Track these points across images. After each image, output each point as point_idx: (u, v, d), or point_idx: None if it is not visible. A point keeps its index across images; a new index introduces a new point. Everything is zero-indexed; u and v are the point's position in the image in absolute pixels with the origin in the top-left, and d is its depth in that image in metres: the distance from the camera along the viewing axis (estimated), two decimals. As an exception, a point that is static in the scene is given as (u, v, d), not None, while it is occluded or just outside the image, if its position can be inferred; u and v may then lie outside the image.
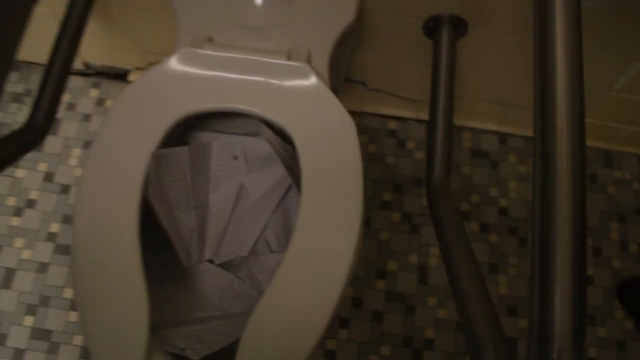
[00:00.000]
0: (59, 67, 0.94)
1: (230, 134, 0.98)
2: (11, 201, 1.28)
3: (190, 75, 0.87)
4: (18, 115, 1.34)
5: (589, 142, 1.32)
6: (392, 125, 1.36)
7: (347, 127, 0.83)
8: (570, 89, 0.53)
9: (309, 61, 0.88)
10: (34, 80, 1.37)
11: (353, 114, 1.33)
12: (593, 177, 1.36)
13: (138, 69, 1.35)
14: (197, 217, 0.92)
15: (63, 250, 1.25)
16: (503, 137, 1.37)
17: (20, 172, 1.30)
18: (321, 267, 0.77)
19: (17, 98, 1.36)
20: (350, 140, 0.82)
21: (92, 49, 1.27)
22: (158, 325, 0.81)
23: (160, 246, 0.89)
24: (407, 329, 1.21)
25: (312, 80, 0.85)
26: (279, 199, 0.94)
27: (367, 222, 1.27)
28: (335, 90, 1.18)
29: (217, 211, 0.94)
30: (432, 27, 1.02)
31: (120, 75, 1.37)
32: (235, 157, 0.95)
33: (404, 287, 1.24)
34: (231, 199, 0.94)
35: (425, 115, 1.01)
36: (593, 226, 1.32)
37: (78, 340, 1.19)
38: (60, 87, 0.95)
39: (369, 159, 1.33)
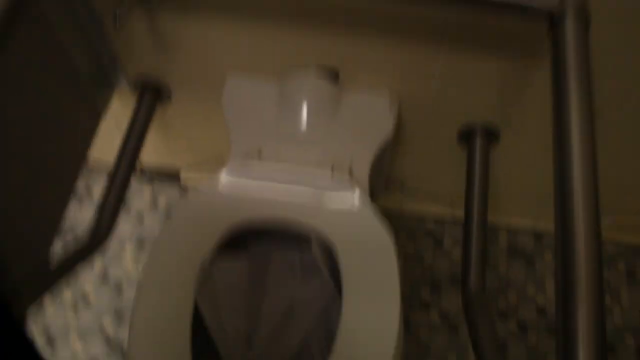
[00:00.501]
0: (122, 176, 1.03)
1: (284, 243, 1.04)
2: (67, 297, 1.35)
3: (241, 187, 0.94)
4: (78, 213, 1.44)
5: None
6: (430, 224, 1.41)
7: (385, 243, 0.88)
8: (586, 191, 0.58)
9: (350, 172, 0.94)
10: (94, 179, 1.47)
11: (391, 212, 1.39)
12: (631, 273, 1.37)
13: (190, 169, 1.43)
14: (247, 322, 0.97)
15: (115, 346, 1.30)
16: (538, 235, 1.39)
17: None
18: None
19: (77, 197, 1.46)
20: (388, 254, 0.87)
21: (148, 151, 1.37)
22: None
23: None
24: None
25: (355, 193, 0.92)
26: (322, 308, 0.98)
27: (406, 323, 1.30)
28: (374, 192, 1.25)
29: (267, 319, 0.98)
30: (466, 134, 1.08)
31: (173, 176, 1.46)
32: (292, 269, 1.00)
33: (444, 387, 1.25)
34: (282, 308, 0.98)
35: (461, 213, 1.06)
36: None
37: None
38: (122, 196, 1.04)
39: (407, 259, 1.37)
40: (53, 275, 0.94)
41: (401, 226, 1.40)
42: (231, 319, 0.96)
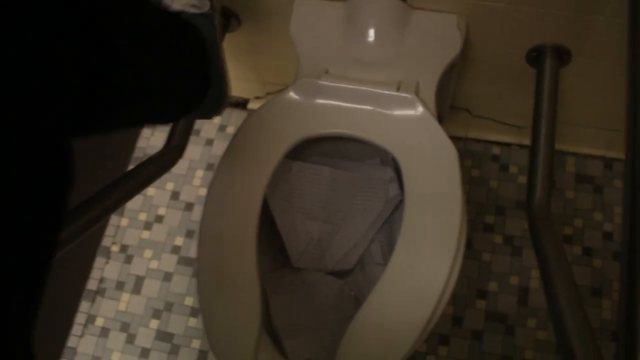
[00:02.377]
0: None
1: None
2: (142, 216, 1.43)
3: (308, 104, 0.96)
4: (150, 140, 1.50)
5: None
6: (496, 150, 1.40)
7: (450, 155, 0.89)
8: None
9: (417, 92, 0.95)
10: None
11: (457, 139, 1.39)
12: None
13: (257, 97, 1.47)
14: (322, 229, 1.01)
15: (186, 261, 1.38)
16: (608, 162, 1.37)
17: (150, 191, 1.44)
18: (417, 283, 0.84)
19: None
20: (452, 168, 0.88)
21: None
22: (281, 337, 0.90)
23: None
24: (507, 349, 1.24)
25: (419, 110, 0.92)
26: (386, 216, 1.01)
27: (469, 244, 1.31)
28: (440, 117, 1.24)
29: (347, 230, 1.03)
30: (535, 57, 1.06)
31: (240, 104, 1.50)
32: (376, 189, 1.03)
33: (504, 307, 1.27)
34: (367, 224, 1.03)
35: (528, 141, 1.05)
36: None
37: (196, 344, 1.31)
38: (191, 121, 1.07)
39: (473, 183, 1.37)
40: (129, 192, 0.99)
41: (466, 151, 1.40)
42: (306, 220, 1.00)
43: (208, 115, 0.92)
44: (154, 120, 0.83)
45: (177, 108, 0.82)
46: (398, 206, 1.02)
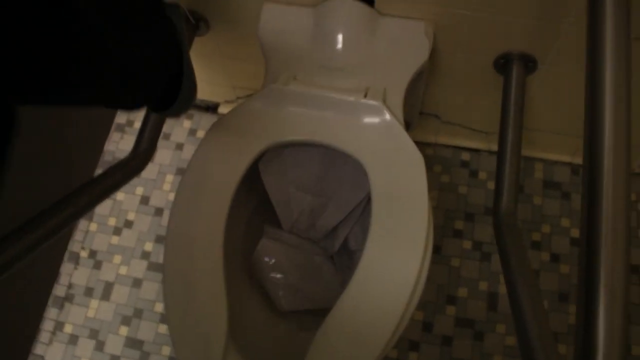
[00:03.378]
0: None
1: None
2: (111, 221, 1.41)
3: (275, 111, 0.96)
4: (119, 144, 1.48)
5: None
6: (465, 156, 1.41)
7: (416, 161, 0.89)
8: (617, 129, 0.58)
9: (384, 99, 0.95)
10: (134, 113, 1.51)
11: (427, 145, 1.40)
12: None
13: (227, 102, 1.46)
14: (313, 202, 1.06)
15: (155, 267, 1.37)
16: (575, 169, 1.39)
17: (119, 196, 1.43)
18: (386, 286, 0.84)
19: (119, 128, 1.50)
20: (418, 173, 0.88)
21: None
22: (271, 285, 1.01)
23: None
24: (476, 355, 1.25)
25: (386, 117, 0.93)
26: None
27: (438, 249, 1.32)
28: (409, 123, 1.25)
29: (337, 204, 1.07)
30: (502, 64, 1.07)
31: (211, 108, 1.49)
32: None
33: (474, 313, 1.27)
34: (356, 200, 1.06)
35: (497, 147, 1.07)
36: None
37: (167, 350, 1.30)
38: (161, 120, 1.07)
39: (442, 189, 1.38)
40: (96, 196, 0.98)
41: (436, 157, 1.41)
42: (298, 192, 1.04)
43: (179, 110, 0.90)
44: (114, 96, 0.75)
45: (143, 86, 0.79)
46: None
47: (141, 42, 0.75)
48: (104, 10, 0.65)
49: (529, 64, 1.05)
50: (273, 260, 1.03)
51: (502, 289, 1.29)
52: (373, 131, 0.93)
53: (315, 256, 1.08)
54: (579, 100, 1.14)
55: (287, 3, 1.03)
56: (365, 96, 0.94)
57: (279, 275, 1.02)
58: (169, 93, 0.85)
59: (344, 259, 1.08)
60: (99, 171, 1.45)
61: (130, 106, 0.82)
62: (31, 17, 0.52)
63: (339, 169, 1.06)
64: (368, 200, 1.04)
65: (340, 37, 0.99)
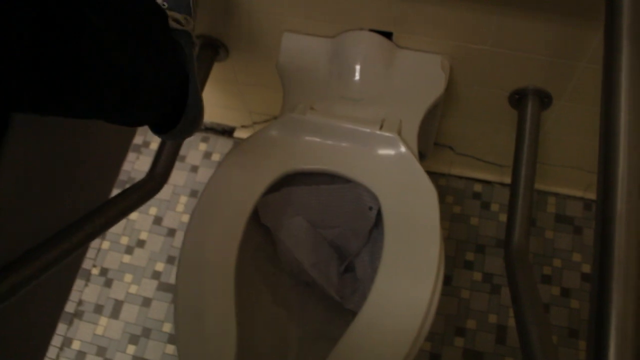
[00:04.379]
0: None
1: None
2: (124, 240, 1.43)
3: (292, 139, 0.98)
4: (135, 164, 1.50)
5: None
6: (478, 188, 1.42)
7: (429, 194, 0.90)
8: (631, 167, 0.58)
9: (399, 131, 0.96)
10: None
11: (440, 175, 1.41)
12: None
13: (243, 126, 1.48)
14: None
15: (165, 288, 1.37)
16: (588, 203, 1.39)
17: (133, 215, 1.44)
18: (396, 317, 0.84)
19: (136, 148, 1.52)
20: (431, 206, 0.89)
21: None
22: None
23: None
24: (484, 388, 1.24)
25: (401, 150, 0.94)
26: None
27: (448, 280, 1.32)
28: (424, 154, 1.26)
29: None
30: (517, 99, 1.08)
31: (226, 132, 1.51)
32: (370, 208, 1.04)
33: (482, 346, 1.27)
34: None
35: (510, 180, 1.07)
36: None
37: (173, 372, 1.30)
38: (178, 144, 1.08)
39: (454, 220, 1.38)
40: (113, 217, 1.00)
41: (449, 188, 1.41)
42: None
43: (181, 134, 0.89)
44: (117, 112, 0.75)
45: (146, 105, 0.79)
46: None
47: (146, 61, 0.75)
48: (113, 26, 0.66)
49: (544, 99, 1.06)
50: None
51: (512, 321, 1.28)
52: (388, 163, 0.94)
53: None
54: (593, 135, 1.15)
55: (306, 33, 1.05)
56: (381, 128, 0.95)
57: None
58: (172, 116, 0.85)
59: (348, 283, 1.07)
60: (115, 191, 1.47)
61: (129, 123, 0.81)
62: (41, 28, 0.53)
63: (336, 204, 1.07)
64: (374, 227, 1.05)
65: (358, 68, 1.01)
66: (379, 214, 1.03)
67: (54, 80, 0.57)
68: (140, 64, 0.73)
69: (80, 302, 1.37)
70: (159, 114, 0.83)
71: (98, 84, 0.65)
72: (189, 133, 0.89)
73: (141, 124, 0.85)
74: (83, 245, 0.95)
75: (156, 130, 0.87)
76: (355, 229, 1.05)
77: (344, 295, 1.02)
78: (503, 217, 1.38)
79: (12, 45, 0.48)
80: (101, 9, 0.64)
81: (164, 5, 0.87)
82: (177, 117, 0.84)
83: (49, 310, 1.35)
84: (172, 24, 0.85)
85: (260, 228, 1.03)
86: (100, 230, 0.96)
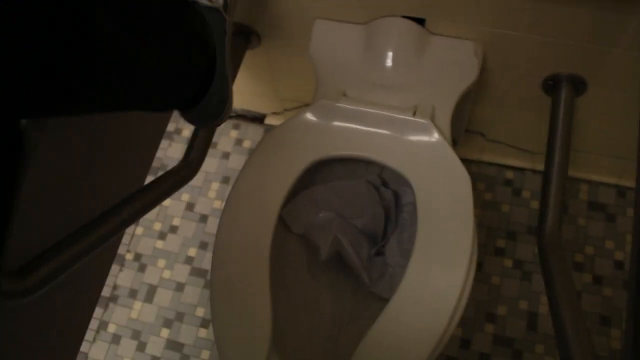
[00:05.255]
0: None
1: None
2: (157, 226, 1.45)
3: (325, 125, 0.98)
4: (167, 151, 1.52)
5: None
6: (509, 174, 1.41)
7: (463, 180, 0.90)
8: None
9: (432, 117, 0.96)
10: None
11: (471, 162, 1.40)
12: None
13: (274, 113, 1.49)
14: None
15: (198, 273, 1.40)
16: (621, 191, 1.37)
17: (166, 201, 1.46)
18: (429, 303, 0.85)
19: (168, 135, 1.54)
20: (465, 194, 0.89)
21: (235, 94, 1.42)
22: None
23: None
24: (514, 374, 1.24)
25: (435, 136, 0.94)
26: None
27: (479, 267, 1.32)
28: (455, 140, 1.26)
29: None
30: (551, 85, 1.07)
31: (257, 119, 1.52)
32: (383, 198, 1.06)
33: (513, 332, 1.27)
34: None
35: (542, 167, 1.06)
36: None
37: (206, 354, 1.32)
38: (211, 131, 1.10)
39: (485, 207, 1.38)
40: (148, 204, 1.01)
41: (480, 175, 1.41)
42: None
43: (207, 121, 0.89)
44: (138, 105, 0.76)
45: (166, 95, 0.79)
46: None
47: (167, 55, 0.75)
48: (128, 27, 0.66)
49: (578, 85, 1.05)
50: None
51: (542, 308, 1.28)
52: (421, 149, 0.94)
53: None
54: (627, 122, 1.14)
55: (338, 20, 1.05)
56: (414, 114, 0.95)
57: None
58: (199, 97, 0.84)
59: (377, 266, 1.08)
60: (149, 178, 1.49)
61: (156, 109, 0.81)
62: (56, 33, 0.53)
63: (356, 198, 1.08)
64: (400, 212, 1.06)
65: (390, 55, 1.01)
66: (400, 199, 1.05)
67: (69, 86, 0.58)
68: (158, 59, 0.73)
69: (115, 287, 1.40)
70: (184, 97, 0.82)
71: (114, 82, 0.65)
72: (216, 117, 0.88)
73: (168, 109, 0.84)
74: (119, 231, 0.96)
75: (184, 112, 0.86)
76: (378, 216, 1.06)
77: (372, 278, 1.03)
78: (534, 204, 1.37)
79: (24, 54, 0.49)
80: (114, 12, 0.64)
81: None
82: (198, 97, 0.83)
83: (88, 293, 1.38)
84: (203, 2, 0.83)
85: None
86: (136, 216, 0.97)
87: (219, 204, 1.45)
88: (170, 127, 1.55)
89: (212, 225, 1.44)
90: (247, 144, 1.51)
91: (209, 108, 0.85)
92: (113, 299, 1.39)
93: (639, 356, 0.52)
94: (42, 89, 0.54)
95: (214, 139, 1.50)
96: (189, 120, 0.88)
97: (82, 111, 0.66)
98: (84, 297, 1.38)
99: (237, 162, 1.49)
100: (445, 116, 0.97)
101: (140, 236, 1.45)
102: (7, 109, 0.49)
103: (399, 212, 1.07)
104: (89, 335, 1.36)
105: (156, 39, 0.72)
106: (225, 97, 0.88)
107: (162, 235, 1.44)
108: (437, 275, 0.86)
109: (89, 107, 0.66)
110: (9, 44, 0.47)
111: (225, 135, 1.52)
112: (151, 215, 1.45)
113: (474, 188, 1.38)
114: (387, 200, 1.05)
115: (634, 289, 0.55)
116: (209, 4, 0.85)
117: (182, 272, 1.40)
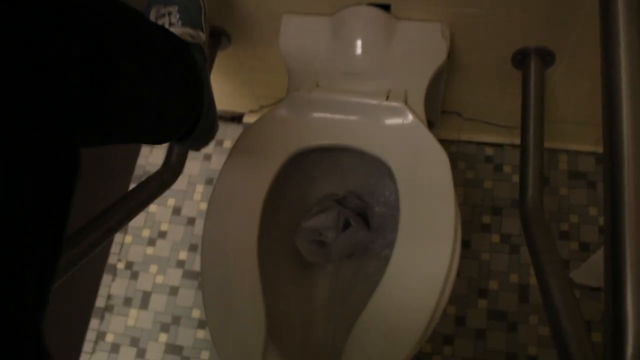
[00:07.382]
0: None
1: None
2: (145, 233, 1.46)
3: (300, 117, 0.99)
4: (149, 158, 1.52)
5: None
6: (489, 151, 1.42)
7: (441, 160, 0.92)
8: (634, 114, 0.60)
9: (405, 100, 0.97)
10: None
11: (450, 142, 1.42)
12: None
13: (252, 111, 1.50)
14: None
15: (190, 275, 1.40)
16: (600, 158, 1.39)
17: (152, 208, 1.47)
18: (418, 280, 0.86)
19: (148, 142, 1.54)
20: (443, 171, 0.91)
21: (211, 95, 1.43)
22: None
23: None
24: (510, 346, 1.26)
25: (409, 118, 0.95)
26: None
27: (467, 244, 1.34)
28: (432, 122, 1.27)
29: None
30: (520, 59, 1.09)
31: (235, 118, 1.53)
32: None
33: (506, 305, 1.29)
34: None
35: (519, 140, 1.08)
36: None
37: (205, 355, 1.33)
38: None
39: (468, 185, 1.40)
40: (133, 210, 1.02)
41: (460, 154, 1.42)
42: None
43: (199, 144, 0.93)
44: (148, 137, 0.82)
45: (173, 126, 0.83)
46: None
47: (173, 88, 0.79)
48: (144, 68, 0.69)
49: (546, 57, 1.07)
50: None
51: (533, 280, 1.30)
52: (397, 132, 0.95)
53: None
54: (598, 90, 1.15)
55: (305, 13, 1.06)
56: (388, 98, 0.96)
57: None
58: (192, 126, 0.89)
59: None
60: (131, 185, 1.50)
61: (157, 142, 0.87)
62: (87, 84, 0.56)
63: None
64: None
65: (359, 43, 1.02)
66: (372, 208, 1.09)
67: (98, 122, 0.61)
68: (166, 93, 0.76)
69: (109, 297, 1.41)
70: (183, 129, 0.86)
71: (131, 118, 0.69)
72: (209, 139, 0.94)
73: (169, 141, 0.89)
74: (107, 239, 0.97)
75: (182, 141, 0.90)
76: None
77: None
78: (516, 178, 1.39)
79: (64, 99, 0.52)
80: (134, 55, 0.67)
81: (178, 22, 0.90)
82: (194, 122, 0.87)
83: (81, 305, 1.39)
84: (187, 39, 0.89)
85: (278, 206, 1.06)
86: (122, 223, 0.98)
87: (204, 206, 1.46)
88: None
89: (200, 227, 1.44)
90: (227, 144, 1.52)
91: (203, 132, 0.90)
92: (108, 308, 1.40)
93: (618, 306, 0.53)
94: (77, 124, 0.57)
95: (195, 142, 1.51)
96: (186, 146, 0.93)
97: (95, 145, 0.68)
98: (77, 310, 1.38)
99: (219, 163, 1.50)
100: (418, 98, 0.99)
101: (130, 244, 1.45)
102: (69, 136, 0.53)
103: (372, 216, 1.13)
104: (88, 346, 1.37)
105: (164, 72, 0.76)
106: (214, 119, 0.94)
107: (151, 242, 1.45)
108: (424, 252, 0.87)
109: (103, 141, 0.69)
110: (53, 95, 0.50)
111: (206, 137, 1.52)
112: (139, 222, 1.46)
113: (456, 167, 1.40)
114: (357, 207, 1.11)
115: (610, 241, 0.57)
116: (192, 41, 0.90)
117: (174, 276, 1.41)
